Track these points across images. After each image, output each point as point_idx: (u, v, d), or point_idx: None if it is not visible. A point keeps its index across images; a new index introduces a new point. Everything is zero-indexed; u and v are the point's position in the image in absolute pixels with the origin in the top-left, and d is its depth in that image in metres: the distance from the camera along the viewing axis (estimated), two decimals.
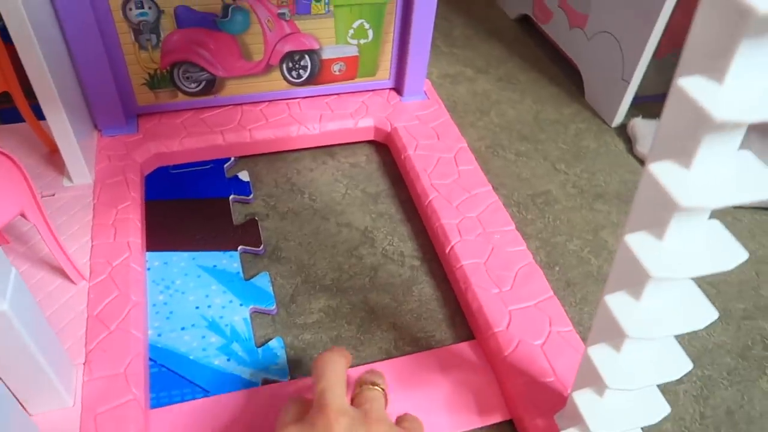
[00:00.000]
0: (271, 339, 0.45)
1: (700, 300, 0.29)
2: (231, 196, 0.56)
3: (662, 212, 0.26)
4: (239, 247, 0.51)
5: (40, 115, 0.49)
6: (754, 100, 0.22)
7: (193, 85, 0.59)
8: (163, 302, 0.46)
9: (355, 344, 0.46)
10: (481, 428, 0.42)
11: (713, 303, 0.29)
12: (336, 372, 0.35)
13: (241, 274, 0.49)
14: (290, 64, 0.60)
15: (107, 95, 0.56)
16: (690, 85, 0.23)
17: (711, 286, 0.52)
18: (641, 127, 0.67)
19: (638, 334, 0.29)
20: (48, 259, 0.46)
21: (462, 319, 0.48)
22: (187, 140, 0.57)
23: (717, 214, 0.27)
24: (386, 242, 0.54)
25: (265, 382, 0.42)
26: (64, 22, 0.50)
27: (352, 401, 0.35)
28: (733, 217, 0.60)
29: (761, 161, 0.25)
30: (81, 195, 0.51)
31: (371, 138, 0.63)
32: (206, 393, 0.41)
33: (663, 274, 0.26)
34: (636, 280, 0.29)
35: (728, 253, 0.27)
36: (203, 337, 0.44)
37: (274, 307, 0.47)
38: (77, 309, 0.43)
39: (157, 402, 0.41)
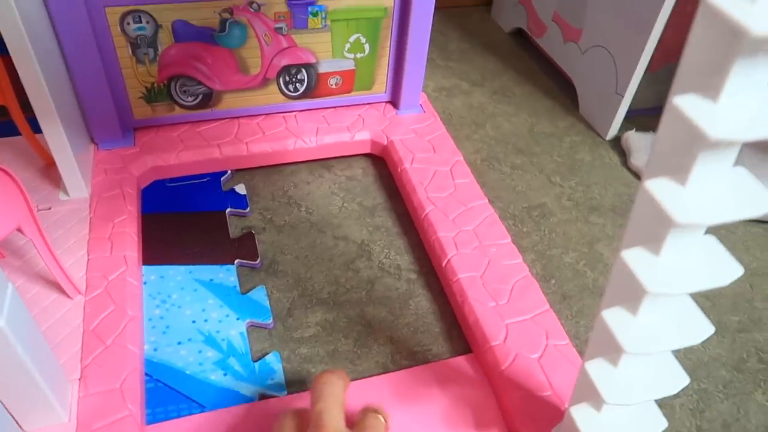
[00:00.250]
0: (267, 353, 0.45)
1: (696, 315, 0.30)
2: (228, 210, 0.56)
3: (658, 228, 0.27)
4: (236, 261, 0.51)
5: (36, 128, 0.49)
6: (748, 118, 0.22)
7: (190, 99, 0.59)
8: (160, 316, 0.46)
9: (351, 358, 0.46)
10: None
11: (708, 315, 0.29)
12: (334, 394, 0.35)
13: (238, 288, 0.49)
14: (287, 78, 0.61)
15: (104, 109, 0.56)
16: (685, 103, 0.23)
17: (706, 298, 0.53)
18: (635, 140, 0.68)
19: (635, 349, 0.29)
20: (44, 273, 0.46)
21: (459, 332, 0.48)
22: (183, 153, 0.58)
23: (711, 227, 0.27)
24: (383, 255, 0.54)
25: (262, 397, 0.42)
26: (62, 36, 0.50)
27: (355, 425, 0.35)
28: (727, 230, 0.60)
29: (756, 177, 0.26)
30: (77, 209, 0.51)
31: (368, 151, 0.64)
32: (202, 408, 0.41)
33: (660, 289, 0.27)
34: (633, 295, 0.29)
35: (724, 269, 0.27)
36: (200, 351, 0.44)
37: (270, 321, 0.47)
38: (73, 324, 0.43)
39: (153, 418, 0.40)
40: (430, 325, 0.49)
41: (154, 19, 0.53)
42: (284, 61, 0.59)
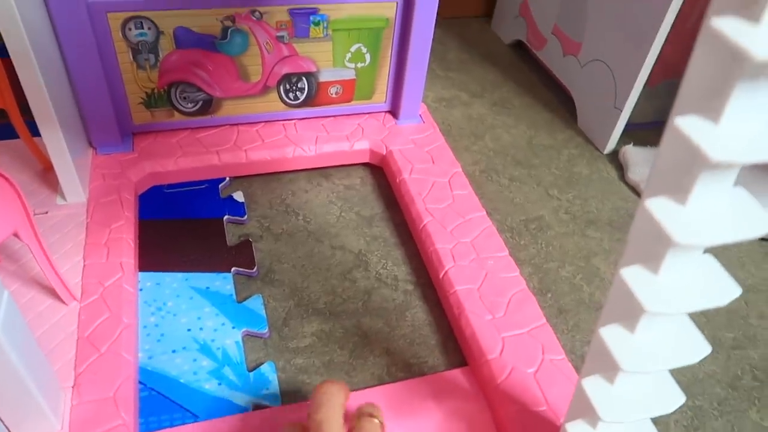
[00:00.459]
0: (262, 363, 0.45)
1: (694, 334, 0.30)
2: (225, 217, 0.55)
3: (657, 247, 0.27)
4: (232, 269, 0.51)
5: (34, 131, 0.49)
6: (749, 141, 0.22)
7: (189, 105, 0.59)
8: (155, 324, 0.46)
9: (347, 369, 0.46)
10: None
11: (703, 331, 0.30)
12: (334, 405, 0.34)
13: (234, 296, 0.49)
14: (287, 86, 0.61)
15: (103, 113, 0.56)
16: (686, 124, 0.23)
17: (701, 314, 0.53)
18: (633, 154, 0.68)
19: (632, 367, 0.29)
20: (39, 278, 0.45)
21: (455, 345, 0.48)
22: (182, 160, 0.57)
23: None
24: (380, 266, 0.54)
25: (257, 407, 0.42)
26: (63, 40, 0.50)
27: (351, 430, 0.35)
28: (723, 246, 0.60)
29: (755, 198, 0.26)
30: (74, 213, 0.51)
31: (366, 160, 0.64)
32: (196, 418, 0.41)
33: (658, 308, 0.27)
34: (630, 313, 0.29)
35: (722, 289, 0.27)
36: (194, 360, 0.44)
37: (266, 330, 0.47)
38: (67, 330, 0.42)
39: (146, 427, 0.40)
40: (426, 337, 0.49)
41: (156, 26, 0.53)
42: (285, 70, 0.59)
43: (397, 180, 0.59)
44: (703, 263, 0.28)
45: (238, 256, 0.52)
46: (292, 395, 0.43)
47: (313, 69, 0.60)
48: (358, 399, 0.43)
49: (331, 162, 0.62)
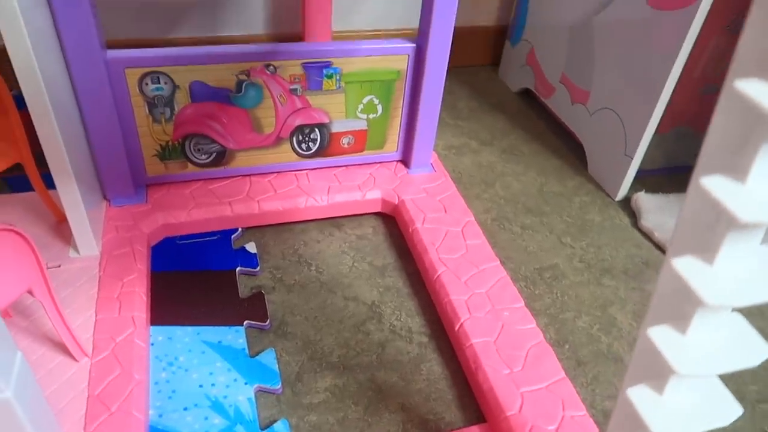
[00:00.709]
0: (276, 421, 0.44)
1: (724, 395, 0.29)
2: (238, 268, 0.55)
3: (686, 307, 0.26)
4: (245, 322, 0.50)
5: (49, 183, 0.49)
6: None
7: (203, 157, 0.60)
8: (166, 380, 0.45)
9: (362, 427, 0.45)
10: None
11: (726, 385, 0.29)
12: None
13: (247, 351, 0.48)
14: (300, 137, 0.61)
15: (118, 166, 0.56)
16: (712, 184, 0.23)
17: None
18: (645, 201, 0.68)
19: (663, 431, 0.28)
20: (50, 334, 0.45)
21: (472, 400, 0.47)
22: (195, 211, 0.58)
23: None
24: (394, 317, 0.53)
25: None
26: (81, 94, 0.51)
27: None
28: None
29: None
30: (87, 266, 0.51)
31: (378, 210, 0.64)
32: None
33: (688, 370, 0.26)
34: (658, 373, 0.28)
35: (753, 349, 0.27)
36: (206, 418, 0.43)
37: (279, 386, 0.46)
38: (78, 388, 0.42)
39: None
40: (442, 392, 0.47)
41: (172, 80, 0.54)
42: (298, 121, 0.60)
43: (410, 229, 0.59)
44: (732, 322, 0.27)
45: (250, 309, 0.51)
46: None
47: (326, 120, 0.61)
48: None
49: (343, 212, 0.62)
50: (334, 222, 0.63)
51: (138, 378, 0.43)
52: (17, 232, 0.38)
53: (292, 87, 0.58)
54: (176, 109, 0.56)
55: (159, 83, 0.54)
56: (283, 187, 0.61)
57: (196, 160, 0.59)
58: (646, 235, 0.66)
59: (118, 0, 0.76)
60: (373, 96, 0.61)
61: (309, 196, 0.61)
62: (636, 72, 0.65)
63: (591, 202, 0.70)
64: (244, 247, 0.58)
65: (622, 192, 0.70)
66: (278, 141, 0.61)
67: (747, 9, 0.20)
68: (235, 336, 0.49)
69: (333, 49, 0.57)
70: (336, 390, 0.47)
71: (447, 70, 0.60)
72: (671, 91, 0.62)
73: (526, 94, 0.90)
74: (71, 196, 0.49)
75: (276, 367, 0.47)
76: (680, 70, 0.61)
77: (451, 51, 0.59)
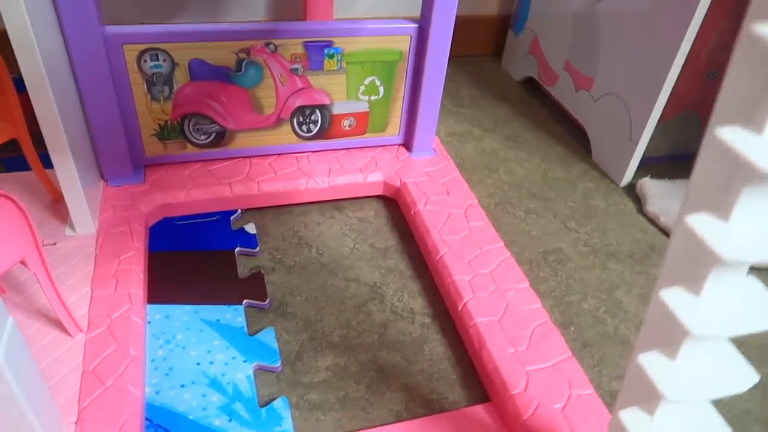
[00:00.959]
0: (275, 398, 0.43)
1: (739, 361, 0.28)
2: (237, 249, 0.54)
3: (699, 267, 0.25)
4: (244, 301, 0.49)
5: (46, 163, 0.48)
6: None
7: (203, 137, 0.59)
8: (163, 357, 0.44)
9: (363, 405, 0.44)
10: None
11: None
12: None
13: (246, 329, 0.47)
14: (301, 119, 0.60)
15: (116, 145, 0.55)
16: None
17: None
18: (651, 187, 0.67)
19: (675, 396, 0.27)
20: (45, 309, 0.44)
21: (476, 379, 0.46)
22: (194, 191, 0.57)
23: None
24: (396, 298, 0.52)
25: None
26: (79, 71, 0.50)
27: None
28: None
29: None
30: (83, 245, 0.50)
31: (380, 193, 0.63)
32: None
33: (703, 331, 0.25)
34: (671, 339, 0.27)
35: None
36: (204, 395, 0.42)
37: (279, 364, 0.45)
38: (72, 363, 0.41)
39: None
40: (445, 372, 0.46)
41: (171, 58, 0.53)
42: (299, 102, 0.59)
43: (412, 212, 0.58)
44: (747, 285, 0.27)
45: (249, 289, 0.50)
46: None
47: (327, 101, 0.60)
48: None
49: (344, 194, 0.61)
50: (335, 204, 0.62)
51: (134, 354, 0.42)
52: (11, 199, 0.37)
53: (292, 67, 0.57)
54: (175, 87, 0.55)
55: (158, 60, 0.53)
56: (284, 169, 0.61)
57: (195, 140, 0.59)
58: (652, 221, 0.65)
59: None
60: (375, 77, 0.60)
61: (310, 178, 0.60)
62: (641, 57, 0.65)
63: (595, 188, 0.69)
64: (243, 228, 0.57)
65: (627, 178, 0.69)
66: (279, 122, 0.60)
67: None
68: (234, 315, 0.48)
69: (334, 28, 0.56)
70: (337, 369, 0.46)
71: (450, 60, 0.59)
72: (676, 76, 0.62)
73: (529, 84, 0.89)
74: (68, 174, 0.48)
75: (275, 345, 0.46)
76: (685, 55, 0.60)
77: (453, 40, 0.58)
